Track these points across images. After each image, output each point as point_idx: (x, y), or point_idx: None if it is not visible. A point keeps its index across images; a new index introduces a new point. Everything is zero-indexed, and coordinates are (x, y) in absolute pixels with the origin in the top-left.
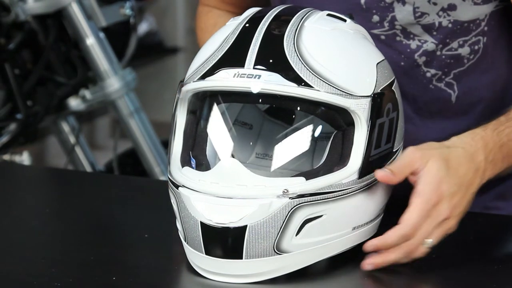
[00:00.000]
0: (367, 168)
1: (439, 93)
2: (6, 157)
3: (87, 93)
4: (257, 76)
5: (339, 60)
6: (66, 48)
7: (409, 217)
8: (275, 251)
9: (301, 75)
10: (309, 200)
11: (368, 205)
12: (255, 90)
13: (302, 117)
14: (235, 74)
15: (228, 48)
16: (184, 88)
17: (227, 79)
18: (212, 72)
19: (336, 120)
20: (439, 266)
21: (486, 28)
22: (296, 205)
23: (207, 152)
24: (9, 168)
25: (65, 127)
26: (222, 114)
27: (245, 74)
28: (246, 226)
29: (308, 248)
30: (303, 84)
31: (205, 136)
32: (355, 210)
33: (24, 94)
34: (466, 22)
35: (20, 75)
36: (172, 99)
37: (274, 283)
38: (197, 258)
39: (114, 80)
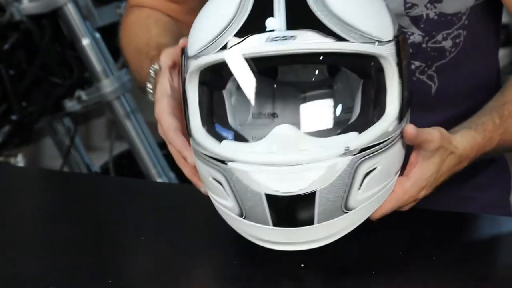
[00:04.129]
0: (403, 112)
1: (420, 85)
2: (1, 158)
3: (83, 94)
4: (292, 37)
5: (362, 5)
6: (62, 48)
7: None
8: (343, 210)
9: (334, 29)
10: (367, 154)
11: (404, 150)
12: (294, 51)
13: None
14: (267, 38)
15: (250, 13)
16: (203, 60)
17: (260, 45)
18: (238, 40)
19: (364, 69)
20: (436, 267)
21: (466, 22)
22: (358, 160)
23: (239, 123)
24: (3, 169)
25: (61, 128)
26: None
27: (278, 37)
28: (315, 191)
29: (367, 201)
30: (339, 38)
31: (237, 106)
32: (398, 156)
33: (19, 95)
34: (449, 15)
35: (15, 76)
36: None
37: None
38: (262, 231)
39: (110, 81)
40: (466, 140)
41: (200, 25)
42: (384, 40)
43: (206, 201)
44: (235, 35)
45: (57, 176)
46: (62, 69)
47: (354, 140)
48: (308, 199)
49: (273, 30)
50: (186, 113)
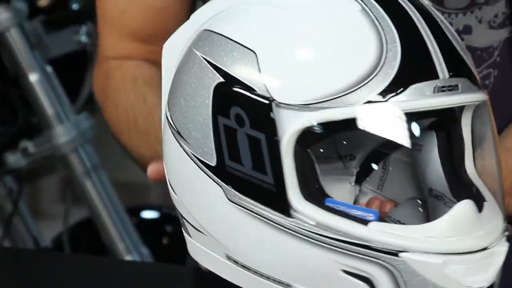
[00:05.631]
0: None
1: None
2: None
3: (29, 145)
4: (456, 87)
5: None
6: (3, 85)
7: None
8: None
9: (476, 76)
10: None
11: None
12: (463, 103)
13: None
14: (434, 87)
15: (402, 52)
16: (339, 113)
17: (428, 97)
18: (397, 90)
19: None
20: None
21: (498, 59)
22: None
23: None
24: None
25: (1, 189)
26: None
27: (445, 87)
28: (495, 281)
29: None
30: (478, 86)
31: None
32: None
33: None
34: (479, 50)
35: None
36: None
37: None
38: None
39: (65, 129)
40: None
41: (314, 63)
42: None
43: (188, 283)
44: (392, 83)
45: None
46: (3, 113)
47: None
48: None
49: (437, 78)
50: (279, 183)
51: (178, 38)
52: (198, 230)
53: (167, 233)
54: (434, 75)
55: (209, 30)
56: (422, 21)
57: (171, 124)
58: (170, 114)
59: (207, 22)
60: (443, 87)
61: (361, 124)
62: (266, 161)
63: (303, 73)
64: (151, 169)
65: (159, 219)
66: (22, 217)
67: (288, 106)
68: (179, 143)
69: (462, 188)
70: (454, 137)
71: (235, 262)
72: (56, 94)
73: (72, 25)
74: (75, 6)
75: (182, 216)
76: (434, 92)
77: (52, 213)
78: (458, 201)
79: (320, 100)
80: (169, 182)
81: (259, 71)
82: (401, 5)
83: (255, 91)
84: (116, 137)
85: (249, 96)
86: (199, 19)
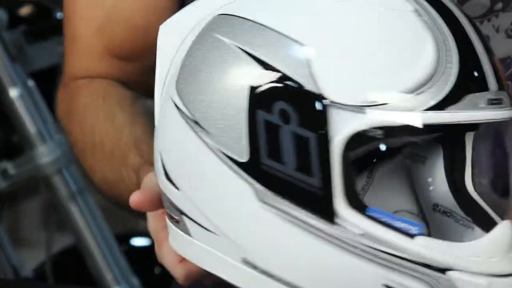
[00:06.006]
0: None
1: None
2: None
3: (9, 166)
4: (501, 101)
5: None
6: None
7: None
8: None
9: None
10: None
11: None
12: (508, 119)
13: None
14: (488, 100)
15: (460, 59)
16: (397, 117)
17: (482, 109)
18: (455, 98)
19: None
20: None
21: None
22: None
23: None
24: None
25: None
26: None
27: (496, 100)
28: None
29: None
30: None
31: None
32: None
33: None
34: None
35: None
36: None
37: None
38: None
39: (48, 148)
40: None
41: (372, 62)
42: None
43: None
44: (451, 91)
45: None
46: None
47: None
48: None
49: (488, 90)
50: (326, 187)
51: (181, 20)
52: (206, 229)
53: (159, 262)
54: (486, 86)
55: (238, 16)
56: (471, 28)
57: (183, 113)
58: (183, 102)
59: (228, 6)
60: (493, 99)
61: (417, 132)
62: (313, 163)
63: (360, 71)
64: (136, 198)
65: (151, 246)
66: (1, 245)
67: (342, 106)
68: (197, 134)
69: (473, 207)
70: (459, 152)
71: (254, 267)
72: (38, 110)
73: (56, 35)
74: (59, 15)
75: (183, 213)
76: (487, 104)
77: (34, 240)
78: (475, 220)
79: (378, 103)
80: (166, 173)
81: (309, 67)
82: (451, 10)
83: (304, 87)
84: (81, 160)
85: (299, 92)
86: (211, 3)
